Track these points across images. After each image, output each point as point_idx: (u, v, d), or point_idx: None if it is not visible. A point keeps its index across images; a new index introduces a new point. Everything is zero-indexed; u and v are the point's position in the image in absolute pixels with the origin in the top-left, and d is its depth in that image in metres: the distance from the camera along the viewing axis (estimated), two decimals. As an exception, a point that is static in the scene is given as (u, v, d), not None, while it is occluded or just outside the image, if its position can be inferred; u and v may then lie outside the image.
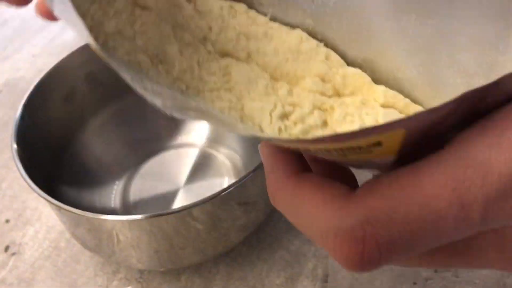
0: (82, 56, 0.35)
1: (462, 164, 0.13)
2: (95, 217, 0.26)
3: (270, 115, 0.21)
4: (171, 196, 0.35)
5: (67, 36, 0.52)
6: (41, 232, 0.36)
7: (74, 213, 0.27)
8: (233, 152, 0.37)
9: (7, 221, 0.37)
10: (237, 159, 0.37)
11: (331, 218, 0.14)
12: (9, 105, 0.45)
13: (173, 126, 0.39)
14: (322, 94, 0.22)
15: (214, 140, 0.38)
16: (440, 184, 0.13)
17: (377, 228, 0.13)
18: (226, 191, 0.27)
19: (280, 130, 0.21)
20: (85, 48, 0.35)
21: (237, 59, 0.23)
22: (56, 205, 0.27)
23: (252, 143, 0.37)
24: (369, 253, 0.14)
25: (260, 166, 0.27)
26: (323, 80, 0.22)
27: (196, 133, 0.39)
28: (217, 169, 0.36)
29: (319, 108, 0.22)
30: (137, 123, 0.38)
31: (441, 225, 0.13)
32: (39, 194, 0.27)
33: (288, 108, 0.21)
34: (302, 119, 0.21)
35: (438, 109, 0.12)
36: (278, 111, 0.21)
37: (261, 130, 0.21)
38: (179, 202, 0.35)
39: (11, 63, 0.50)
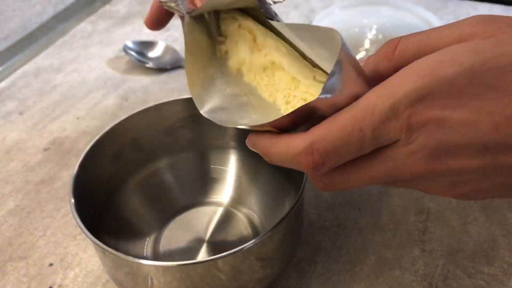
0: (128, 124, 0.41)
1: (360, 108, 0.23)
2: (135, 261, 0.31)
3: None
4: (196, 248, 0.40)
5: (108, 102, 0.59)
6: (80, 276, 0.40)
7: (117, 256, 0.31)
8: (252, 212, 0.42)
9: (51, 264, 0.41)
10: (256, 218, 0.42)
11: (294, 147, 0.25)
12: (56, 161, 0.51)
13: (202, 186, 0.44)
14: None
15: (237, 201, 0.43)
16: (348, 118, 0.23)
17: (318, 144, 0.24)
18: (247, 247, 0.32)
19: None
20: (131, 117, 0.41)
21: None
22: (103, 249, 0.31)
23: (268, 206, 0.42)
24: (316, 160, 0.24)
25: (276, 227, 0.32)
26: None
27: (222, 194, 0.44)
28: (237, 226, 0.41)
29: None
30: (171, 183, 0.44)
31: (351, 141, 0.23)
32: (91, 240, 0.31)
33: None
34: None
35: (279, 119, 0.26)
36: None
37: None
38: (204, 254, 0.39)
39: (58, 124, 0.56)
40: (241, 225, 0.42)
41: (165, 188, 0.43)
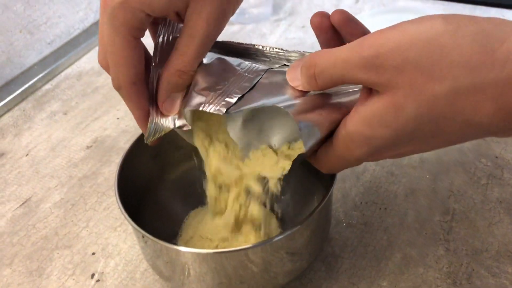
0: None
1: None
2: (173, 247, 0.33)
3: None
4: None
5: (146, 103, 0.62)
6: (120, 264, 0.43)
7: (158, 243, 0.33)
8: (282, 209, 0.44)
9: (93, 253, 0.44)
10: (286, 215, 0.44)
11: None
12: (98, 158, 0.55)
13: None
14: None
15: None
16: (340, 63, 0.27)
17: (315, 61, 0.28)
18: (276, 239, 0.34)
19: None
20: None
21: None
22: (146, 237, 0.34)
23: (298, 203, 0.44)
24: (313, 74, 0.29)
25: (305, 221, 0.34)
26: None
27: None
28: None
29: None
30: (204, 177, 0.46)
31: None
32: (135, 228, 0.34)
33: None
34: None
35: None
36: None
37: None
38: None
39: (100, 123, 0.60)
40: (272, 221, 0.44)
41: (200, 184, 0.46)
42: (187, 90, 0.34)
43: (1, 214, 0.49)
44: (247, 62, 0.34)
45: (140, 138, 0.42)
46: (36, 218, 0.48)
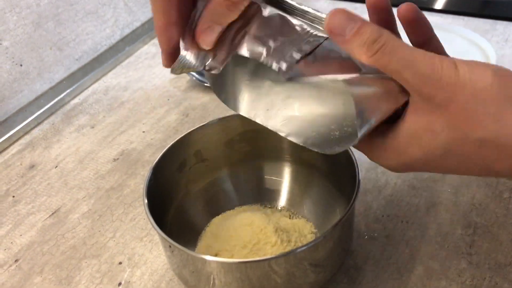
0: (192, 137, 0.45)
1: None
2: (199, 256, 0.34)
3: None
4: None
5: (170, 118, 0.64)
6: (146, 274, 0.44)
7: (184, 252, 0.34)
8: (306, 220, 0.45)
9: (120, 263, 0.46)
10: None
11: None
12: (124, 171, 0.56)
13: (258, 195, 0.47)
14: None
15: (290, 210, 0.46)
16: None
17: (388, 40, 0.27)
18: (299, 250, 0.35)
19: None
20: (195, 131, 0.45)
21: None
22: (173, 246, 0.35)
23: (320, 216, 0.45)
24: (378, 48, 0.27)
25: (328, 233, 0.35)
26: None
27: (276, 203, 0.47)
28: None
29: None
30: (229, 191, 0.47)
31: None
32: (163, 237, 0.35)
33: None
34: None
35: None
36: None
37: None
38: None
39: (126, 137, 0.62)
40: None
41: (224, 195, 0.47)
42: (236, 35, 0.32)
43: (31, 224, 0.51)
44: (306, 26, 0.32)
45: (166, 151, 0.43)
46: (65, 228, 0.50)
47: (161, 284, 0.43)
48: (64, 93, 0.70)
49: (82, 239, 0.48)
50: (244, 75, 0.35)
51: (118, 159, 0.58)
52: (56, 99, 0.69)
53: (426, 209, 0.47)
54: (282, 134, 0.34)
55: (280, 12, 0.32)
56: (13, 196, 0.54)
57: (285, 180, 0.48)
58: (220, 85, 0.37)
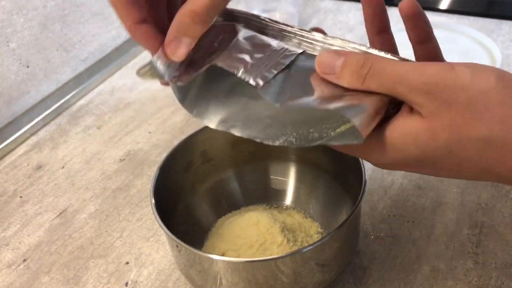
0: (198, 138, 0.45)
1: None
2: (206, 255, 0.35)
3: None
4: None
5: (176, 118, 0.64)
6: (153, 274, 0.45)
7: (192, 251, 0.35)
8: (313, 219, 0.45)
9: (127, 263, 0.46)
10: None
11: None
12: (130, 171, 0.57)
13: (263, 195, 0.48)
14: None
15: (298, 205, 0.47)
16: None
17: (375, 61, 0.28)
18: (305, 249, 0.35)
19: None
20: (201, 131, 0.45)
21: None
22: (180, 245, 0.35)
23: (326, 216, 0.45)
24: (365, 74, 0.28)
25: (334, 232, 0.35)
26: None
27: (282, 203, 0.47)
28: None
29: None
30: (235, 191, 0.48)
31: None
32: (170, 237, 0.35)
33: None
34: None
35: None
36: None
37: None
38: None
39: (132, 137, 0.62)
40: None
41: (230, 195, 0.47)
42: (210, 53, 0.32)
43: (39, 224, 0.51)
44: (282, 43, 0.33)
45: (173, 151, 0.43)
46: (72, 228, 0.50)
47: (168, 284, 0.43)
48: (71, 94, 0.70)
49: (89, 239, 0.49)
50: (220, 92, 0.34)
51: (124, 159, 0.58)
52: (62, 100, 0.69)
53: (432, 209, 0.47)
54: (258, 140, 0.33)
55: (255, 33, 0.33)
56: (21, 197, 0.55)
57: (291, 180, 0.48)
58: (192, 101, 0.35)
